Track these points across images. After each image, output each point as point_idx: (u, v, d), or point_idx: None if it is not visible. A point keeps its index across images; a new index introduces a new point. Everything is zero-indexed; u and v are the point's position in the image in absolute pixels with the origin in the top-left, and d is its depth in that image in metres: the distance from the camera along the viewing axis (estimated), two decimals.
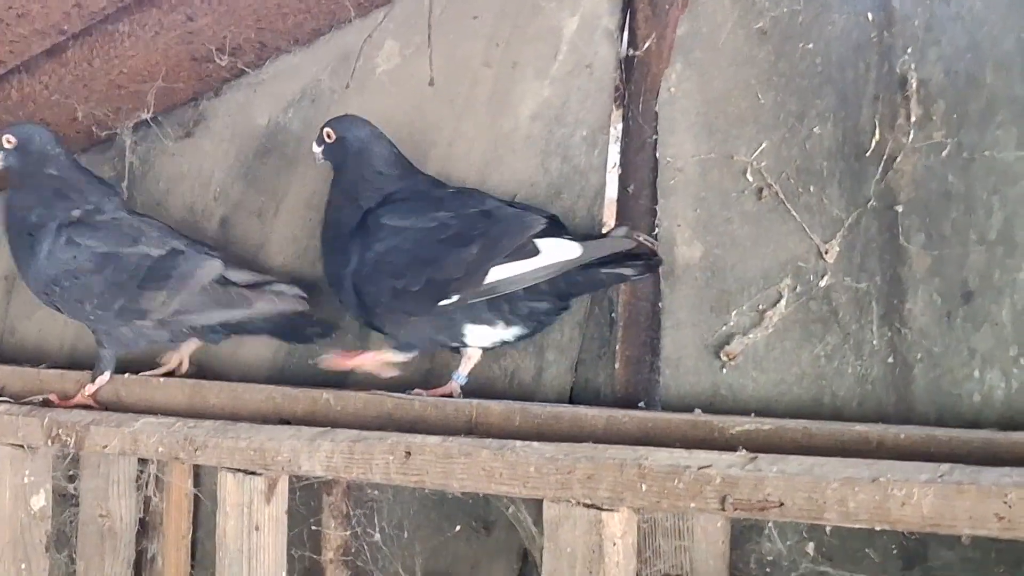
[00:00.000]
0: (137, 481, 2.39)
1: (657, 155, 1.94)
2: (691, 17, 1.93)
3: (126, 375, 2.36)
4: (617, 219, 1.98)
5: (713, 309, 1.86)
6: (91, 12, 2.28)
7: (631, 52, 1.98)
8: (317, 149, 2.16)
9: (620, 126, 1.99)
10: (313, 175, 2.34)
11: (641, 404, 1.91)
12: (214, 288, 2.26)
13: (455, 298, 1.92)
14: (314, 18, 2.38)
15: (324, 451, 1.83)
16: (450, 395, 2.00)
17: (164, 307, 2.26)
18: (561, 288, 1.92)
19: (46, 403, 2.36)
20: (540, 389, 2.01)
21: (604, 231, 1.97)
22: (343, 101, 2.40)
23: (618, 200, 1.98)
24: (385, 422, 1.96)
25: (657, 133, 1.94)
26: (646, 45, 1.96)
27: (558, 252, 1.87)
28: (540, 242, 1.88)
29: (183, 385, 2.25)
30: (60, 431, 2.18)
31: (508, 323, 1.96)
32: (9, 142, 2.33)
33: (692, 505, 1.47)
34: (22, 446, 2.27)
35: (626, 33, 2.01)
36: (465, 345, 2.02)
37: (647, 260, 1.90)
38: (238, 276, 2.30)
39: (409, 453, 1.73)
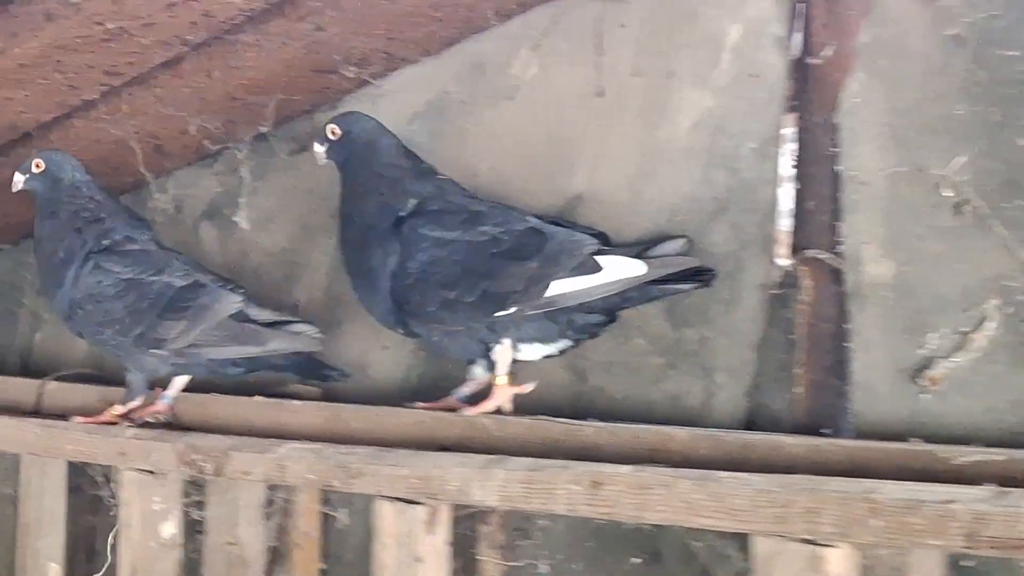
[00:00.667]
0: (266, 508, 2.30)
1: (838, 169, 1.85)
2: (874, 24, 1.84)
3: (256, 397, 2.28)
4: (793, 234, 1.89)
5: (907, 331, 1.77)
6: (219, 22, 2.21)
7: (807, 60, 1.89)
8: (320, 148, 2.14)
9: (794, 138, 1.90)
10: None
11: (826, 431, 1.81)
12: (231, 324, 2.25)
13: (513, 310, 1.92)
14: (446, 27, 2.30)
15: (498, 480, 1.74)
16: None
17: (182, 338, 2.24)
18: (614, 302, 1.92)
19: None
20: (709, 414, 1.93)
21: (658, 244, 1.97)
22: (474, 112, 2.32)
23: (793, 215, 1.89)
24: (551, 449, 1.88)
25: (837, 145, 1.85)
26: (824, 53, 1.87)
27: (621, 269, 1.88)
28: (601, 259, 1.90)
29: (320, 409, 2.18)
30: (195, 457, 2.10)
31: (562, 336, 1.97)
32: (38, 166, 2.33)
33: (934, 542, 1.38)
34: (150, 471, 2.19)
35: (799, 40, 1.92)
36: (515, 360, 2.01)
37: (704, 274, 1.91)
38: (259, 313, 2.30)
39: (598, 483, 1.65)
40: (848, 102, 1.86)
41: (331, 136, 2.14)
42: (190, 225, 2.78)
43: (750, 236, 1.93)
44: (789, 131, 1.91)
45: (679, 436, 1.77)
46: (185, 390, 2.47)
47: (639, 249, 1.96)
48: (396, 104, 2.43)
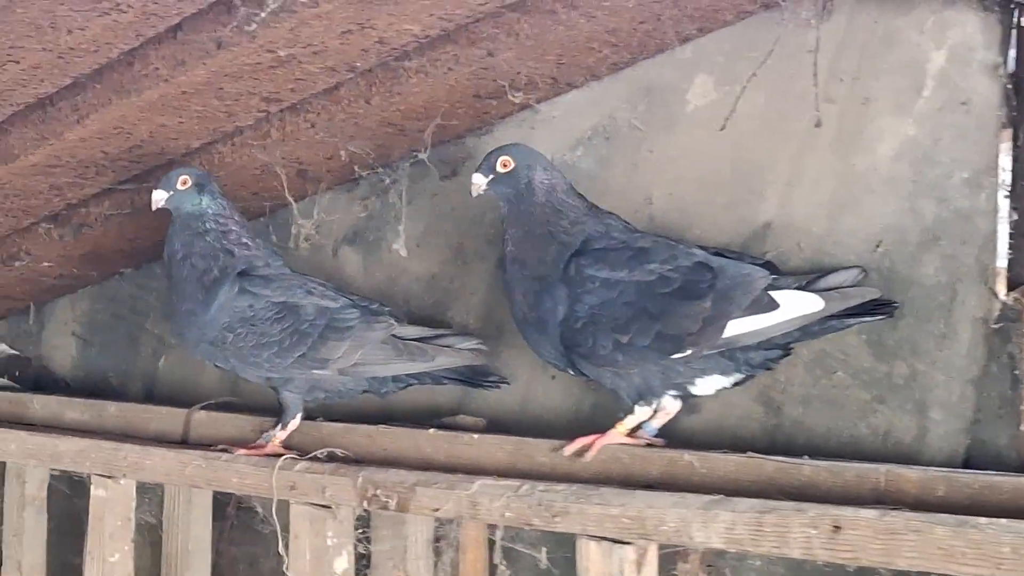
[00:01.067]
0: (435, 543, 2.26)
1: None
2: None
3: (431, 431, 2.24)
4: (1011, 266, 1.83)
5: None
6: (390, 49, 2.18)
7: None
8: (482, 180, 2.06)
9: (1011, 167, 1.84)
10: None
11: None
12: (395, 341, 2.25)
13: (689, 352, 1.89)
14: (620, 51, 2.26)
15: (723, 521, 1.69)
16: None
17: (346, 357, 2.23)
18: (794, 336, 1.89)
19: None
20: (923, 451, 1.87)
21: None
22: (647, 137, 2.28)
23: (1012, 246, 1.83)
24: (764, 488, 1.83)
25: None
26: None
27: (799, 306, 1.86)
28: (777, 295, 1.86)
29: (503, 443, 2.13)
30: (378, 492, 2.06)
31: (737, 370, 1.94)
32: (184, 183, 2.29)
33: None
34: (326, 506, 2.15)
35: (1013, 66, 1.87)
36: (691, 395, 2.00)
37: (886, 305, 1.87)
38: (407, 332, 2.30)
39: (838, 527, 1.59)
40: None
41: (501, 168, 2.05)
42: (330, 250, 2.75)
43: (965, 268, 1.87)
44: (1007, 160, 1.85)
45: (911, 476, 1.72)
46: (341, 419, 2.44)
47: (808, 279, 1.93)
48: (557, 130, 2.39)
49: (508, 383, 2.34)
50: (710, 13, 2.12)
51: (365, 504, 2.07)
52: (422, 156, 2.48)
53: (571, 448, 2.00)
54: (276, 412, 2.47)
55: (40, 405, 2.95)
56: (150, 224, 2.84)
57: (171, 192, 2.29)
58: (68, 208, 2.82)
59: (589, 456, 1.98)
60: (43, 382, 3.49)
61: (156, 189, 2.31)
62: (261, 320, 2.21)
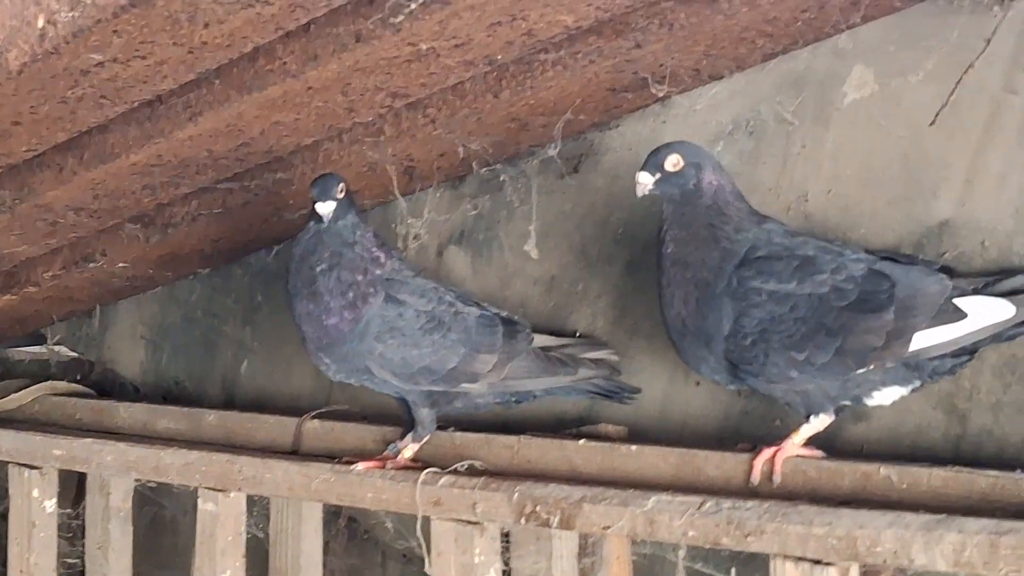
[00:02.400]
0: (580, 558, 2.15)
1: None
2: None
3: (582, 442, 2.13)
4: None
5: None
6: (536, 41, 2.06)
7: None
8: (649, 179, 1.93)
9: None
10: None
11: None
12: (538, 354, 2.18)
13: (872, 367, 1.81)
14: (774, 41, 2.15)
15: (949, 543, 1.59)
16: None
17: (496, 371, 2.15)
18: (984, 343, 1.82)
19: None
20: None
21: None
22: (797, 131, 2.17)
23: None
24: (975, 505, 1.72)
25: None
26: None
27: (988, 314, 1.77)
28: (962, 302, 1.78)
29: (667, 454, 2.02)
30: (537, 508, 1.95)
31: (919, 379, 1.86)
32: (341, 191, 2.13)
33: None
34: (473, 522, 2.04)
35: None
36: (862, 404, 1.92)
37: None
38: (538, 341, 2.23)
39: None
40: None
41: (670, 167, 1.92)
42: (434, 250, 2.63)
43: None
44: None
45: None
46: (468, 429, 2.34)
47: (986, 281, 1.84)
48: (692, 124, 2.28)
49: (640, 392, 2.26)
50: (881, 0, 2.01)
51: (523, 521, 1.96)
52: (551, 152, 2.37)
53: (756, 473, 1.89)
54: (396, 422, 2.36)
55: (128, 413, 2.82)
56: (236, 225, 2.72)
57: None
58: (157, 208, 2.68)
59: (776, 477, 1.87)
60: (107, 386, 3.37)
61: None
62: (411, 331, 2.07)
